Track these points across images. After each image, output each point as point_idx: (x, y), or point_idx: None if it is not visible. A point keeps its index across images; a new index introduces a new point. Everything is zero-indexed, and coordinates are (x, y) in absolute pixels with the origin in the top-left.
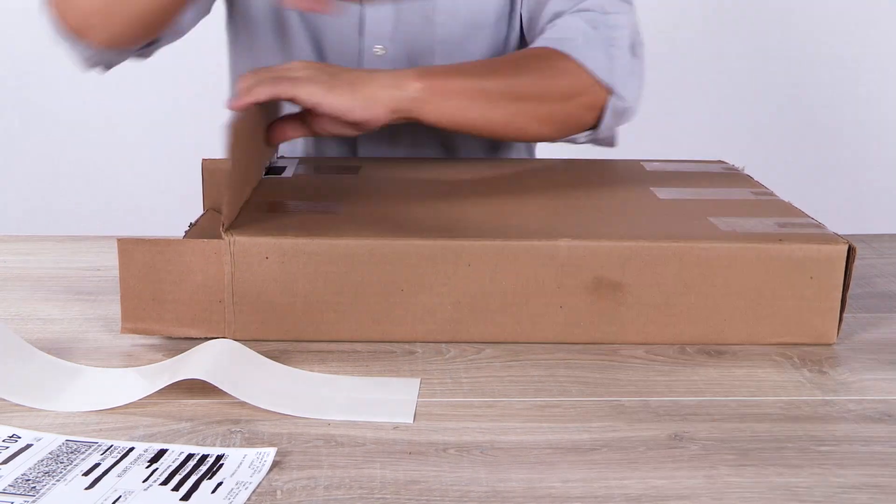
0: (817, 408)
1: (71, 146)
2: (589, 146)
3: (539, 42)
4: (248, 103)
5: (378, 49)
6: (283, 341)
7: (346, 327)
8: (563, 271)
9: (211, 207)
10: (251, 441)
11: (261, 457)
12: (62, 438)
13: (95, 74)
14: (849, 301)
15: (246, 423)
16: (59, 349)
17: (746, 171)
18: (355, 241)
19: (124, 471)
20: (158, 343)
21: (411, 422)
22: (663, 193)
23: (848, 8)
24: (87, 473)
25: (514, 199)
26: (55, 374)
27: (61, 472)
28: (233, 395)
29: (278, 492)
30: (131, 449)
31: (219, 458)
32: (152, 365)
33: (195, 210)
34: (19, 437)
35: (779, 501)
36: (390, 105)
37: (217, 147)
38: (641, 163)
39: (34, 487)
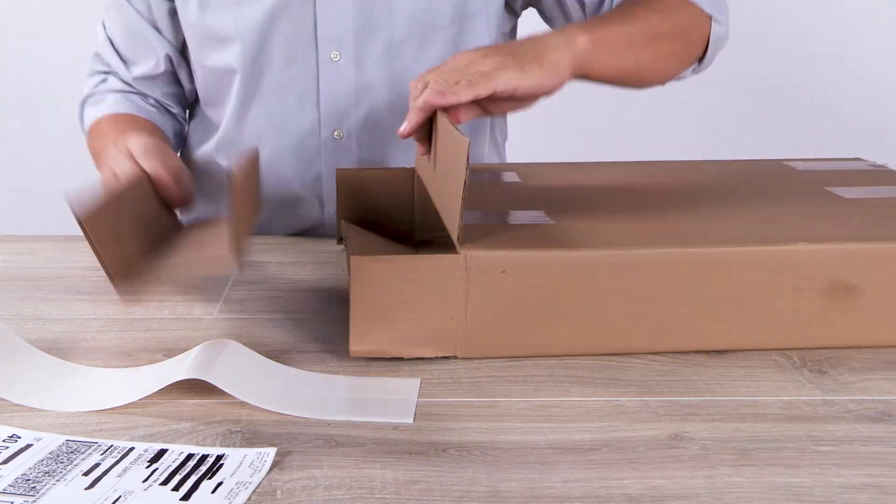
0: (817, 408)
1: (71, 146)
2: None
3: None
4: (451, 104)
5: (334, 55)
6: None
7: (581, 341)
8: (799, 275)
9: (344, 218)
10: (251, 441)
11: (261, 457)
12: (62, 438)
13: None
14: None
15: (246, 423)
16: (59, 349)
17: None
18: (594, 252)
19: (124, 471)
20: (158, 343)
21: (412, 422)
22: (844, 193)
23: None
24: (87, 473)
25: (709, 205)
26: (55, 373)
27: (61, 472)
28: (232, 394)
29: (278, 492)
30: (131, 449)
31: (219, 458)
32: (152, 365)
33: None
34: (19, 437)
35: (779, 501)
36: (571, 66)
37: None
38: (784, 162)
39: (34, 487)
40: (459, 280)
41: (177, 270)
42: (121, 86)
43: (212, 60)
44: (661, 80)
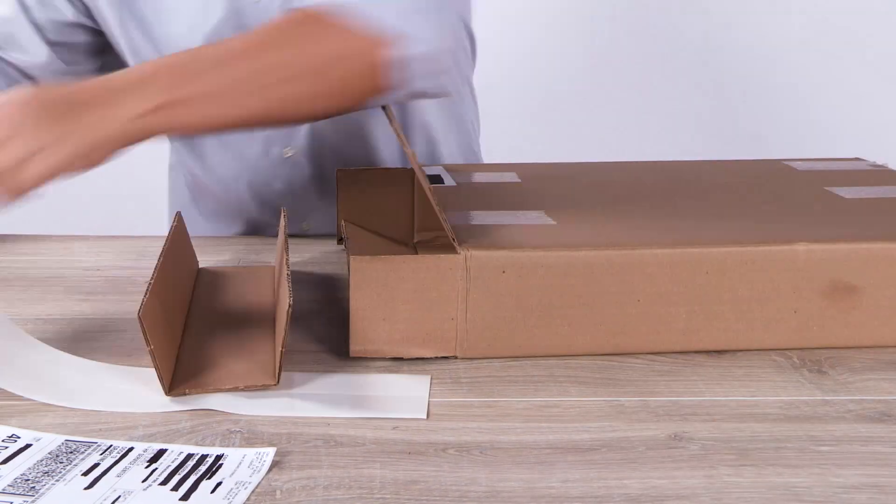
0: (817, 408)
1: None
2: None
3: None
4: None
5: None
6: None
7: (581, 341)
8: (799, 275)
9: (344, 218)
10: (250, 441)
11: (260, 457)
12: (61, 438)
13: None
14: None
15: (245, 424)
16: (59, 349)
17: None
18: (594, 252)
19: (124, 471)
20: None
21: (425, 418)
22: (844, 193)
23: None
24: (86, 473)
25: (709, 205)
26: (54, 364)
27: (61, 472)
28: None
29: (278, 492)
30: (131, 449)
31: (218, 458)
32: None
33: None
34: (19, 437)
35: (778, 501)
36: (122, 140)
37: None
38: (784, 162)
39: (34, 487)
40: (459, 280)
41: (223, 382)
42: None
43: None
44: (308, 119)
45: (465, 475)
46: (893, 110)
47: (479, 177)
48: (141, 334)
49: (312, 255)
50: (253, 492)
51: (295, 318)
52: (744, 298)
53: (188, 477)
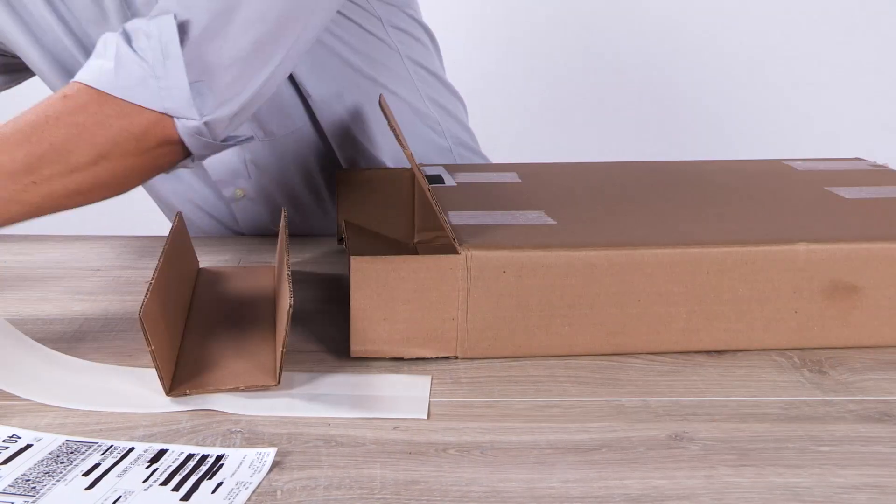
0: (817, 408)
1: None
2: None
3: (78, 75)
4: None
5: None
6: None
7: (581, 341)
8: (799, 275)
9: (344, 218)
10: (251, 441)
11: (261, 457)
12: (62, 438)
13: None
14: None
15: (246, 424)
16: (59, 349)
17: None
18: (594, 252)
19: (124, 471)
20: None
21: (425, 418)
22: (844, 193)
23: None
24: (87, 474)
25: (710, 205)
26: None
27: (61, 473)
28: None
29: (278, 492)
30: (131, 449)
31: (219, 458)
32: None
33: None
34: (19, 438)
35: (779, 501)
36: None
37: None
38: (784, 162)
39: (34, 488)
40: (459, 280)
41: (224, 383)
42: None
43: None
44: (92, 202)
45: (465, 475)
46: (893, 110)
47: (479, 177)
48: (141, 334)
49: (312, 255)
50: (254, 492)
51: (295, 318)
52: (744, 298)
53: (189, 477)
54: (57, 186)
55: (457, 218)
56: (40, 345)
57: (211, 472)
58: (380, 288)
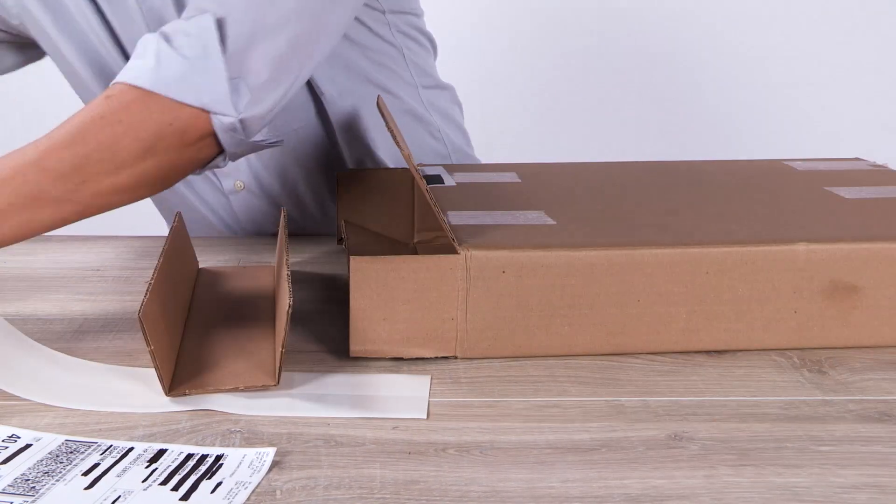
0: (817, 408)
1: None
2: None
3: (120, 75)
4: None
5: None
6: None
7: (581, 341)
8: (799, 275)
9: (344, 218)
10: (250, 441)
11: (260, 457)
12: (61, 438)
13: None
14: None
15: (245, 423)
16: (59, 349)
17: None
18: (594, 252)
19: (124, 471)
20: None
21: (425, 418)
22: (844, 193)
23: None
24: (86, 473)
25: (709, 205)
26: (52, 364)
27: (61, 472)
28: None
29: (278, 492)
30: (131, 449)
31: (218, 458)
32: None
33: None
34: (19, 437)
35: (779, 501)
36: None
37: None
38: (784, 162)
39: (34, 487)
40: (459, 280)
41: (223, 383)
42: None
43: None
44: (129, 202)
45: (465, 475)
46: (893, 110)
47: (478, 177)
48: (141, 334)
49: (312, 255)
50: (253, 492)
51: (295, 318)
52: (744, 298)
53: (188, 477)
54: (105, 184)
55: (456, 218)
56: (40, 345)
57: (210, 472)
58: (379, 288)
